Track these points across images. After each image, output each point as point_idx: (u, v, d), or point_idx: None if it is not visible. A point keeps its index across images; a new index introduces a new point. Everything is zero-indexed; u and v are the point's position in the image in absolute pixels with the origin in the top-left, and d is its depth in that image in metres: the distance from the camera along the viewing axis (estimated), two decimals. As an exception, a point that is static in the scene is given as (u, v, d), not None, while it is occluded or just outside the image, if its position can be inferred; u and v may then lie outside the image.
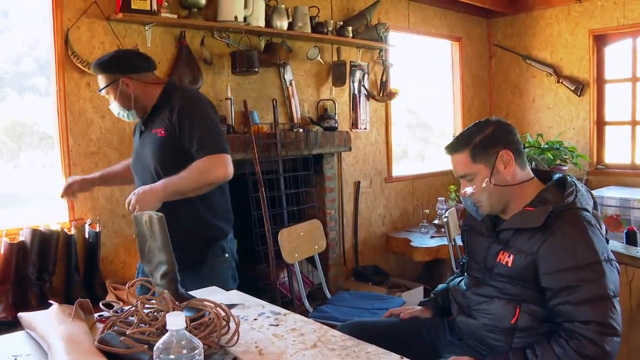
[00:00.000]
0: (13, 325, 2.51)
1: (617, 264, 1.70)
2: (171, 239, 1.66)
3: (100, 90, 2.31)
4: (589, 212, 1.74)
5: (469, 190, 1.87)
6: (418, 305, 2.24)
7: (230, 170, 2.22)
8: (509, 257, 1.77)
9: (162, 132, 2.24)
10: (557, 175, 1.87)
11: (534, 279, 1.71)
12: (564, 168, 4.97)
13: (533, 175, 1.88)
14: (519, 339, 1.75)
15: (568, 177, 1.82)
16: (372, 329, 2.07)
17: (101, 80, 2.29)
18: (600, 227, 1.75)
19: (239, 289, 2.14)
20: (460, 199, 1.95)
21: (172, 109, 2.23)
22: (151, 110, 2.31)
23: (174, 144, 2.22)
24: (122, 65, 2.26)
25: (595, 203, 1.83)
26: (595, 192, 2.53)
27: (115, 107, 2.33)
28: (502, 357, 1.73)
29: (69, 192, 2.59)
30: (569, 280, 1.63)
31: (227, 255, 2.44)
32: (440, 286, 2.25)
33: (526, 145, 4.98)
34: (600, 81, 5.44)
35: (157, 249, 1.69)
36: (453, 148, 1.88)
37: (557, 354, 1.62)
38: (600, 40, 5.38)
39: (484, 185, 1.82)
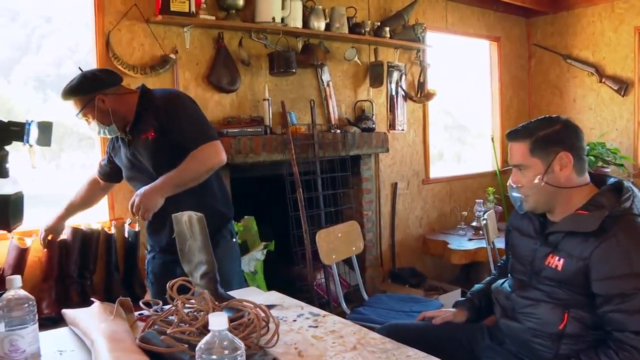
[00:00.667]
0: (56, 321, 2.56)
1: None
2: None
3: (78, 114, 2.30)
4: None
5: (518, 181, 1.82)
6: (453, 306, 2.20)
7: (224, 155, 2.29)
8: (558, 260, 1.72)
9: (152, 134, 2.29)
10: (612, 180, 1.79)
11: (584, 284, 1.66)
12: (606, 170, 4.85)
13: (589, 181, 1.80)
14: (566, 345, 1.70)
15: (624, 182, 1.75)
16: (409, 331, 2.04)
17: (75, 104, 2.28)
18: None
19: (276, 289, 2.14)
20: (507, 188, 1.90)
21: (156, 110, 2.29)
22: (134, 118, 2.34)
23: (167, 142, 2.27)
24: (93, 84, 2.27)
25: None
26: (640, 195, 2.44)
27: (94, 127, 2.32)
28: None
29: (47, 239, 2.68)
30: (622, 288, 1.58)
31: (234, 239, 2.52)
32: (477, 286, 2.20)
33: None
34: (646, 80, 5.29)
35: (196, 249, 1.70)
36: (515, 136, 1.82)
37: None
38: (646, 38, 5.23)
39: (535, 181, 1.76)
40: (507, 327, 1.90)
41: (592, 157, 4.82)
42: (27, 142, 1.75)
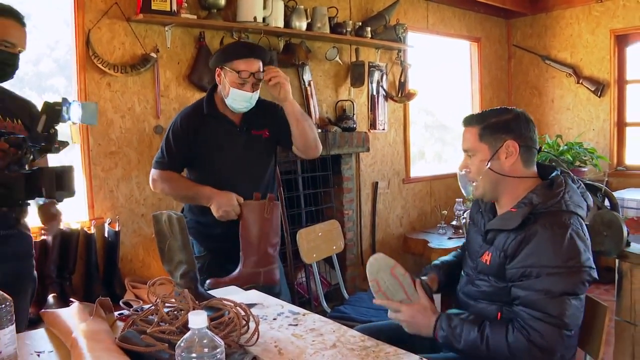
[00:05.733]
0: (35, 322, 2.54)
1: (591, 275, 1.65)
2: None
3: (262, 74, 2.38)
4: (577, 214, 1.69)
5: (467, 166, 1.86)
6: (423, 272, 2.12)
7: None
8: (488, 255, 1.78)
9: (267, 133, 2.41)
10: (553, 174, 1.81)
11: (505, 274, 1.72)
12: (583, 170, 4.91)
13: (536, 174, 1.83)
14: None
15: (560, 177, 1.77)
16: (381, 332, 2.02)
17: (261, 65, 2.38)
18: (585, 233, 1.69)
19: (257, 289, 2.15)
20: (457, 172, 1.93)
21: (272, 110, 2.44)
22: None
23: (275, 143, 2.43)
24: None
25: (594, 204, 1.79)
26: (615, 194, 2.48)
27: (256, 95, 2.38)
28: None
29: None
30: (526, 270, 1.65)
31: None
32: (445, 259, 2.16)
33: (545, 146, 4.93)
34: (622, 82, 5.37)
35: (177, 249, 1.70)
36: (468, 121, 1.86)
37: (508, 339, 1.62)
38: (622, 40, 5.31)
39: (480, 165, 1.80)
40: None
41: (569, 157, 4.88)
42: (70, 119, 1.87)
